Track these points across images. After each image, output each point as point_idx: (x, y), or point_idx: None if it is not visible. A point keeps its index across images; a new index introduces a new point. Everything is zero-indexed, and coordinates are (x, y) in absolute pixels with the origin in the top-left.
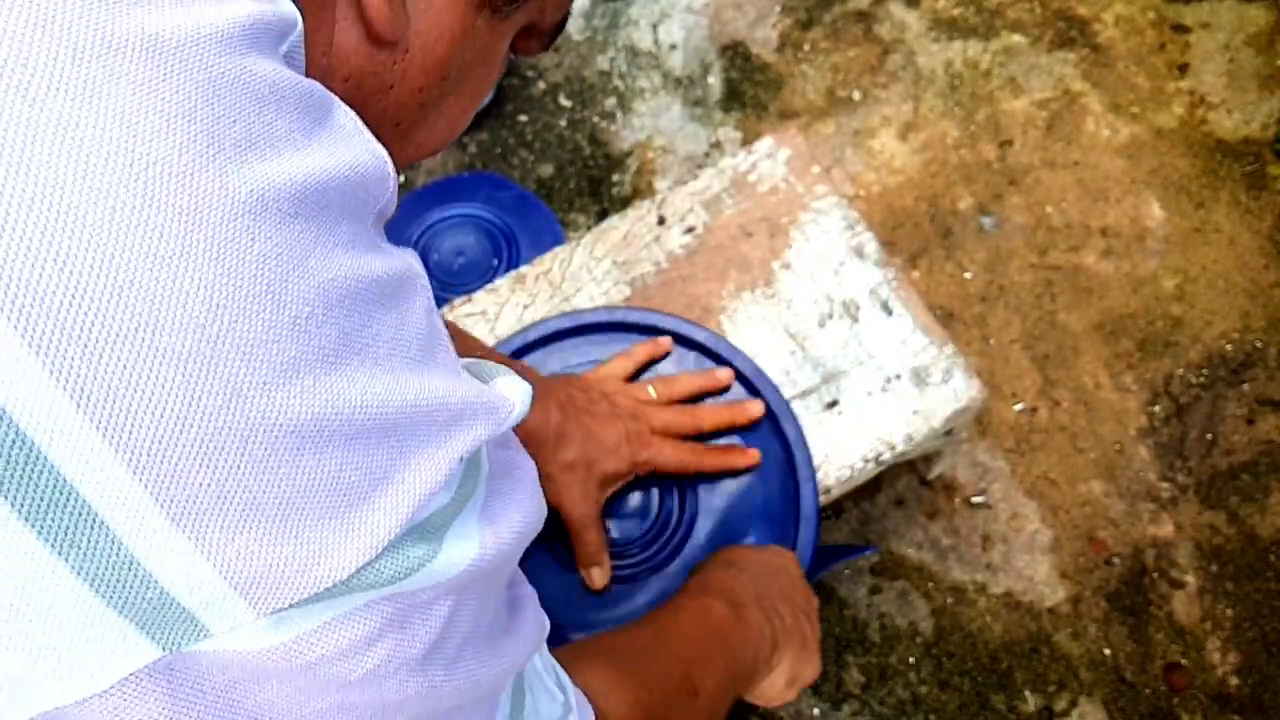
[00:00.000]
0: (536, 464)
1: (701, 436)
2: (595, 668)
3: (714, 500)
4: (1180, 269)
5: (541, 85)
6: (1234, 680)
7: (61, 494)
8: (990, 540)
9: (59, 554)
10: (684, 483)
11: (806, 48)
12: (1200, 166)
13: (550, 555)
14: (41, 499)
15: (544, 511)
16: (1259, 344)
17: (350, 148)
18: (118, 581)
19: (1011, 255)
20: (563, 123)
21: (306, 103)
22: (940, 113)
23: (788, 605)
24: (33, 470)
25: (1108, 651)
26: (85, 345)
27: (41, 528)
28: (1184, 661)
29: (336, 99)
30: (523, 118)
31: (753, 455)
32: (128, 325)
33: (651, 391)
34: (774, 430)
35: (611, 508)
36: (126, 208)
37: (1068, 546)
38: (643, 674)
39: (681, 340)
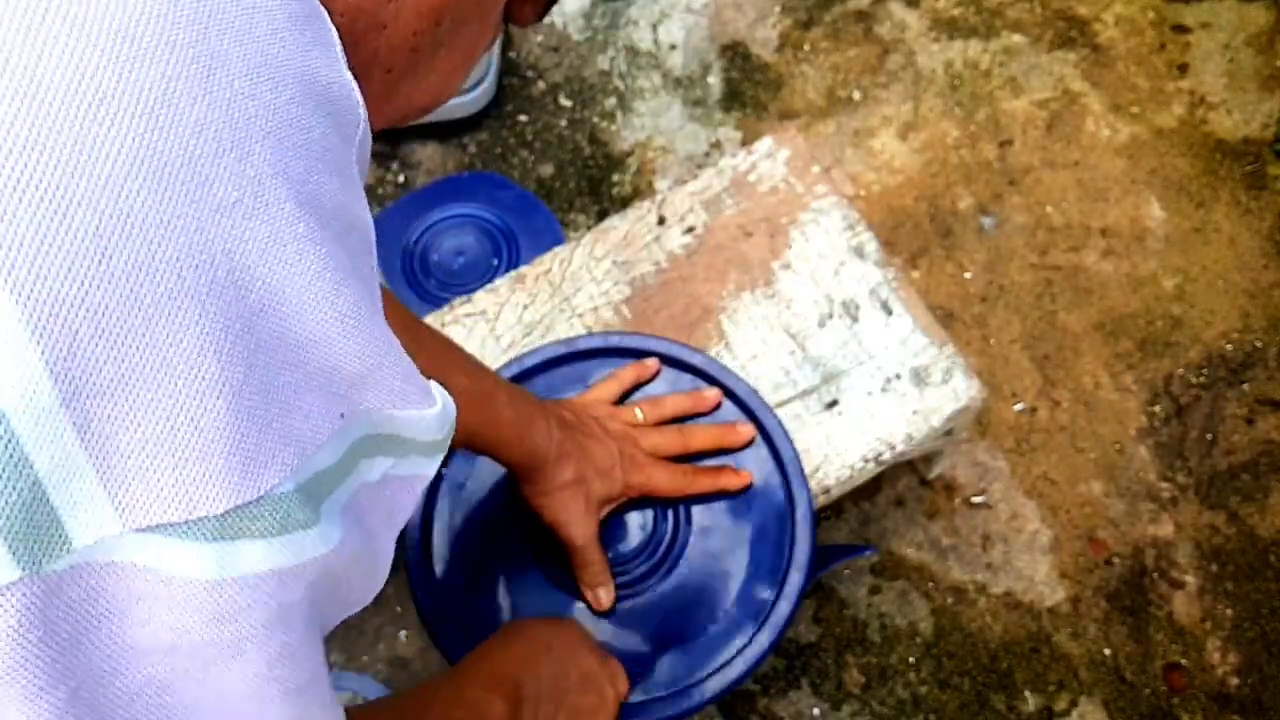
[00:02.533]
0: (536, 483)
1: (693, 457)
2: None
3: (708, 521)
4: (1180, 269)
5: (541, 85)
6: (1234, 680)
7: None
8: (990, 540)
9: None
10: (677, 504)
11: (806, 48)
12: (1200, 166)
13: (542, 574)
14: None
15: (379, 586)
16: (1259, 344)
17: (332, 66)
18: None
19: (1011, 255)
20: (563, 123)
21: (301, 9)
22: (940, 113)
23: (569, 713)
24: None
25: (1108, 651)
26: None
27: None
28: (1184, 661)
29: (330, 24)
30: (523, 118)
31: (744, 477)
32: (44, 166)
33: (639, 414)
34: (770, 452)
35: (606, 528)
36: (78, 57)
37: (1068, 546)
38: None
39: (674, 363)
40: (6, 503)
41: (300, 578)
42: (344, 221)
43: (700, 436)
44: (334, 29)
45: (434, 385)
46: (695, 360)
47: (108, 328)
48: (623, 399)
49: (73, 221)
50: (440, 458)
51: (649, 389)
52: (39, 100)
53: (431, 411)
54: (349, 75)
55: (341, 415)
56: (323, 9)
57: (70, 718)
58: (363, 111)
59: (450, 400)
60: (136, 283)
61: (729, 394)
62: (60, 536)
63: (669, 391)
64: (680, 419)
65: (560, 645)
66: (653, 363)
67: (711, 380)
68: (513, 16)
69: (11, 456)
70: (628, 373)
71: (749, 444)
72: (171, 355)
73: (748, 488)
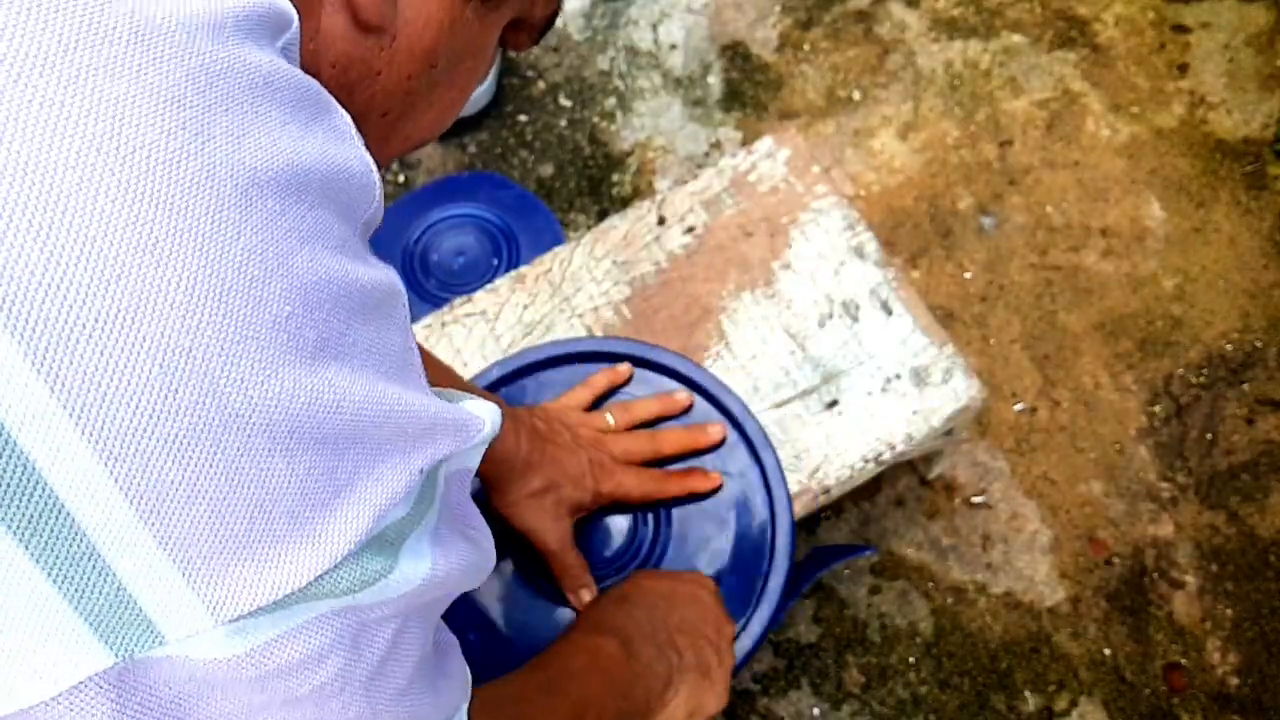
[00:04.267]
0: (506, 492)
1: (665, 461)
2: None
3: (688, 523)
4: (1180, 269)
5: (541, 85)
6: (1234, 680)
7: (29, 481)
8: (990, 540)
9: (19, 540)
10: (656, 507)
11: (806, 48)
12: (1200, 166)
13: (525, 583)
14: (7, 485)
15: (492, 559)
16: (1259, 344)
17: (342, 149)
18: (77, 574)
19: (1011, 255)
20: (563, 123)
21: (302, 97)
22: (940, 113)
23: (687, 637)
24: (3, 458)
25: (1108, 651)
26: (63, 330)
27: (4, 514)
28: (1184, 661)
29: (335, 102)
30: (523, 118)
31: (714, 478)
32: (107, 312)
33: (610, 419)
34: (748, 451)
35: (584, 534)
36: (112, 193)
37: (1068, 546)
38: None
39: (647, 365)
40: (96, 606)
41: (386, 605)
42: (378, 296)
43: (671, 440)
44: (345, 115)
45: (475, 403)
46: (667, 361)
47: (180, 452)
48: (596, 404)
49: (139, 362)
50: (485, 449)
51: (632, 394)
52: (96, 248)
53: (485, 433)
54: (364, 153)
55: (421, 470)
56: (332, 99)
57: None
58: (378, 188)
59: (495, 412)
60: (201, 410)
61: (706, 395)
62: (153, 632)
63: (651, 393)
64: (653, 422)
65: (637, 589)
66: (625, 368)
67: (685, 381)
68: (509, 44)
69: (96, 570)
70: (600, 378)
71: (720, 444)
72: (240, 465)
73: (718, 489)
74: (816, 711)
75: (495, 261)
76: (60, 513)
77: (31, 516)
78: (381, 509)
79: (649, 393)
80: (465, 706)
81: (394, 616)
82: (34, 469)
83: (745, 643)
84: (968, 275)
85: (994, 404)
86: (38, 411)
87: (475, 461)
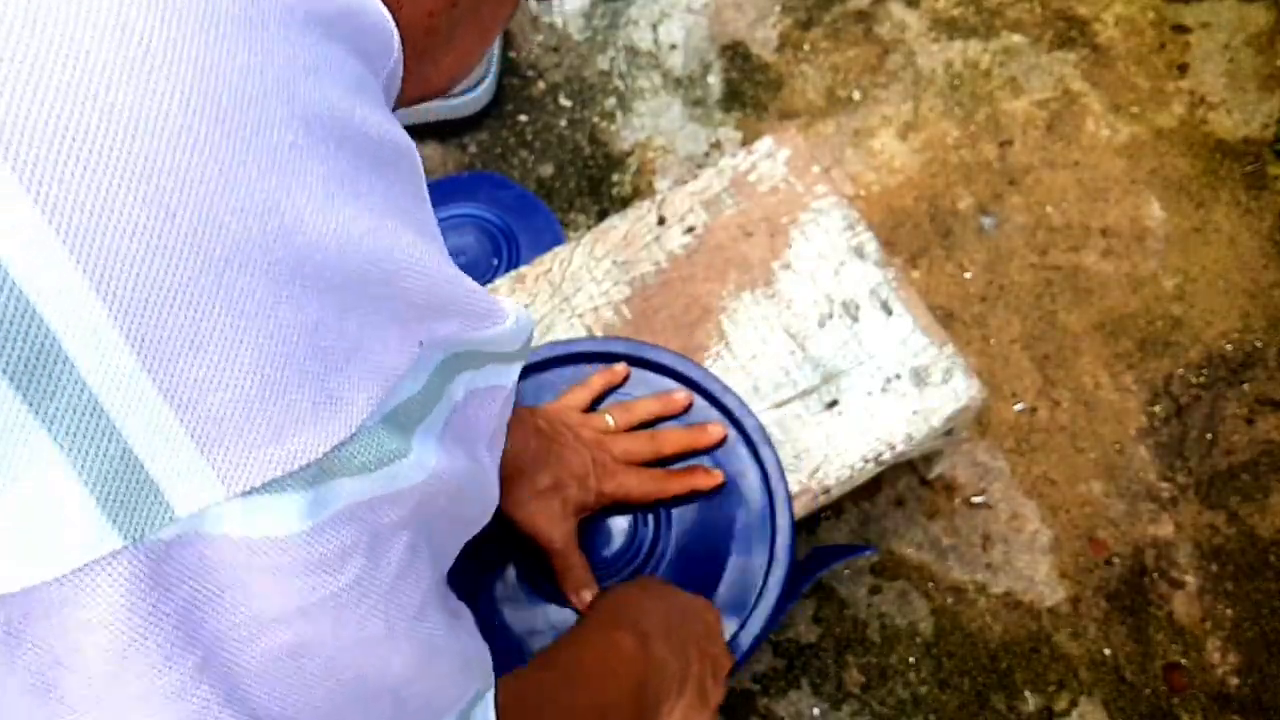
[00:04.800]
0: (513, 491)
1: (666, 461)
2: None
3: (689, 522)
4: (1180, 269)
5: (541, 85)
6: (1234, 680)
7: (26, 319)
8: (990, 540)
9: (15, 386)
10: (657, 507)
11: (806, 48)
12: (1200, 166)
13: (528, 586)
14: (2, 323)
15: (493, 501)
16: (1259, 344)
17: None
18: (81, 430)
19: (1011, 255)
20: (563, 123)
21: None
22: (940, 113)
23: (697, 650)
24: None
25: (1108, 651)
26: (53, 148)
27: (2, 357)
28: (1184, 661)
29: None
30: (523, 118)
31: (716, 476)
32: (98, 127)
33: (610, 420)
34: (750, 453)
35: (585, 534)
36: (100, 3)
37: (1068, 546)
38: None
39: (645, 364)
40: (100, 473)
41: (398, 506)
42: (391, 149)
43: (671, 440)
44: None
45: (505, 300)
46: (665, 360)
47: (179, 289)
48: (594, 405)
49: (133, 184)
50: (518, 367)
51: (624, 392)
52: (84, 61)
53: (504, 327)
54: (380, 4)
55: (420, 343)
56: None
57: (203, 687)
58: (396, 41)
59: (524, 312)
60: (202, 239)
61: (705, 395)
62: (162, 505)
63: (649, 394)
64: (653, 422)
65: (651, 588)
66: (621, 368)
67: (684, 380)
68: None
69: (100, 427)
70: (597, 379)
71: (721, 443)
72: (246, 308)
73: (721, 486)
74: (816, 711)
75: (495, 261)
76: (60, 357)
77: (29, 360)
78: (392, 377)
79: (648, 393)
80: (491, 695)
81: (405, 525)
82: (30, 305)
83: (745, 642)
84: (968, 275)
85: (994, 404)
86: (31, 239)
87: (504, 379)
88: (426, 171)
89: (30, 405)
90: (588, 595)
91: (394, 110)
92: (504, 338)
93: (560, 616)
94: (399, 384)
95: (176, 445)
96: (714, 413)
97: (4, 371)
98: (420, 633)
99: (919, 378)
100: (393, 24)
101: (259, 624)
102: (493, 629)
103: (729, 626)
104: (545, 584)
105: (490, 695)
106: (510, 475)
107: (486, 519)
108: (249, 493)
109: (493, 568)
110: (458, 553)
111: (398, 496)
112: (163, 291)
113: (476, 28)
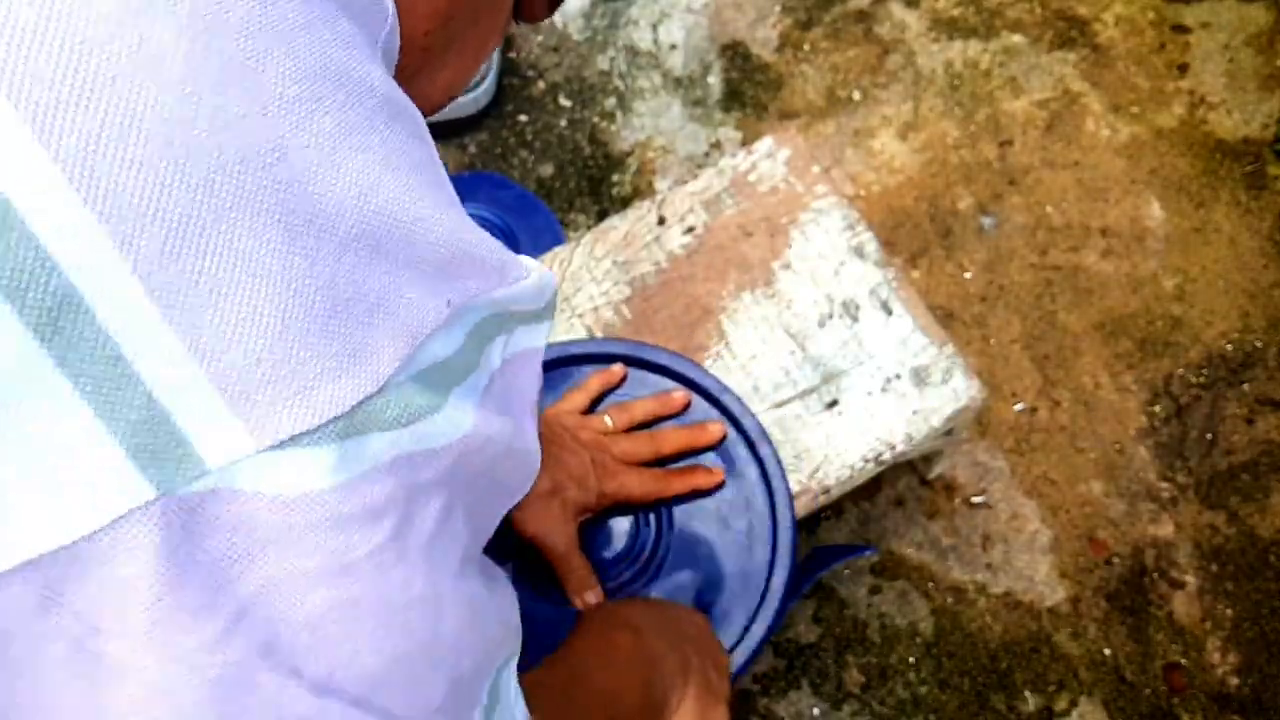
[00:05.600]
0: None
1: (666, 461)
2: None
3: (691, 522)
4: (1180, 269)
5: (541, 85)
6: (1234, 680)
7: (45, 269)
8: (990, 540)
9: (38, 337)
10: (658, 507)
11: (806, 48)
12: (1200, 166)
13: (530, 589)
14: (21, 272)
15: (536, 466)
16: (1259, 344)
17: None
18: (106, 381)
19: (1011, 255)
20: (563, 123)
21: None
22: (940, 113)
23: (693, 646)
24: (11, 237)
25: (1108, 651)
26: (61, 91)
27: (22, 307)
28: (1184, 661)
29: None
30: (523, 118)
31: (717, 474)
32: (105, 72)
33: (609, 421)
34: (749, 452)
35: (586, 536)
36: None
37: (1068, 546)
38: None
39: (642, 365)
40: (128, 423)
41: (433, 463)
42: (395, 105)
43: (671, 439)
44: None
45: (523, 257)
46: (662, 360)
47: (193, 236)
48: (592, 407)
49: (144, 129)
50: (548, 325)
51: (622, 393)
52: (86, 9)
53: (527, 283)
54: None
55: (448, 303)
56: None
57: (239, 640)
58: (390, 8)
59: (540, 266)
60: (213, 187)
61: (703, 394)
62: (192, 457)
63: (648, 394)
64: (651, 422)
65: (640, 600)
66: (618, 368)
67: (682, 380)
68: (524, 13)
69: (125, 377)
70: (594, 381)
71: (721, 441)
72: (261, 257)
73: (721, 484)
74: (816, 711)
75: None
76: (83, 309)
77: (50, 310)
78: (417, 334)
79: (646, 393)
80: (515, 661)
81: (442, 484)
82: (48, 255)
83: (749, 644)
84: (968, 275)
85: (994, 404)
86: (46, 188)
87: (536, 340)
88: None
89: (54, 356)
90: (591, 597)
91: None
92: (527, 294)
93: (563, 619)
94: (428, 341)
95: (203, 397)
96: (713, 413)
97: (26, 323)
98: (463, 592)
99: (919, 378)
100: None
101: (301, 580)
102: None
103: (734, 629)
104: (547, 586)
105: (515, 661)
106: None
107: (528, 487)
108: (278, 446)
109: None
110: (498, 521)
111: (432, 454)
112: (178, 241)
113: (471, 45)
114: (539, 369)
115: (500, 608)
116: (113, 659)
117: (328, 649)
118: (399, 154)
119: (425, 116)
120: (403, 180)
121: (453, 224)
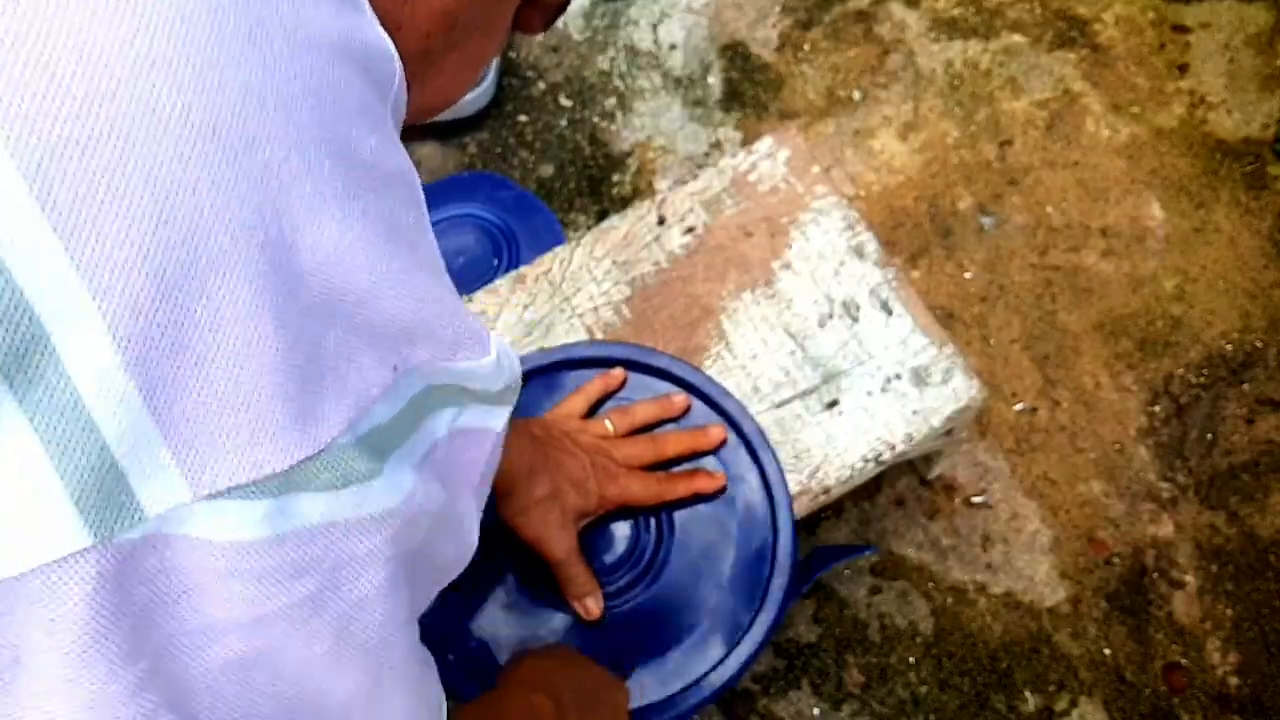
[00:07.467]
0: (512, 500)
1: (667, 465)
2: None
3: (690, 526)
4: (1180, 269)
5: (541, 85)
6: (1234, 680)
7: (19, 308)
8: (990, 540)
9: (2, 374)
10: (658, 511)
11: (806, 48)
12: (1200, 166)
13: (530, 594)
14: None
15: (472, 546)
16: (1259, 344)
17: (359, 20)
18: (62, 424)
19: (1011, 255)
20: (563, 123)
21: None
22: (940, 113)
23: None
24: None
25: (1108, 651)
26: (56, 146)
27: None
28: (1184, 661)
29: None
30: (523, 118)
31: (719, 478)
32: (100, 129)
33: (609, 425)
34: (749, 455)
35: (587, 541)
36: (109, 6)
37: (1068, 546)
38: None
39: (641, 368)
40: (77, 468)
41: (370, 533)
42: (385, 174)
43: (672, 443)
44: None
45: (491, 335)
46: (661, 364)
47: (167, 292)
48: (592, 411)
49: (131, 186)
50: (508, 410)
51: (622, 397)
52: (94, 64)
53: (487, 360)
54: (382, 32)
55: (394, 368)
56: None
57: (151, 693)
58: (398, 66)
59: (508, 350)
60: (193, 245)
61: (703, 398)
62: (132, 505)
63: (648, 397)
64: (651, 426)
65: (568, 658)
66: (618, 372)
67: (681, 384)
68: (521, 25)
69: (80, 421)
70: (593, 385)
71: (722, 444)
72: (228, 315)
73: (723, 489)
74: (816, 711)
75: (495, 262)
76: (48, 351)
77: (17, 349)
78: (363, 400)
79: (646, 397)
80: None
81: (379, 556)
82: (23, 296)
83: (749, 646)
84: (968, 275)
85: (994, 404)
86: (28, 231)
87: (492, 423)
88: (427, 172)
89: (15, 395)
90: (592, 604)
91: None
92: (485, 374)
93: (564, 624)
94: (373, 408)
95: (150, 445)
96: (714, 416)
97: None
98: (373, 666)
99: (919, 378)
100: (394, 48)
101: (211, 632)
102: (495, 639)
103: (735, 631)
104: (548, 591)
105: None
106: (508, 484)
107: (461, 567)
108: (214, 496)
109: (494, 575)
110: (431, 599)
111: (368, 522)
112: (150, 294)
113: (469, 52)
114: (491, 453)
115: (423, 692)
116: (27, 694)
117: (227, 704)
118: (378, 223)
119: (423, 121)
120: (377, 250)
121: (418, 293)
